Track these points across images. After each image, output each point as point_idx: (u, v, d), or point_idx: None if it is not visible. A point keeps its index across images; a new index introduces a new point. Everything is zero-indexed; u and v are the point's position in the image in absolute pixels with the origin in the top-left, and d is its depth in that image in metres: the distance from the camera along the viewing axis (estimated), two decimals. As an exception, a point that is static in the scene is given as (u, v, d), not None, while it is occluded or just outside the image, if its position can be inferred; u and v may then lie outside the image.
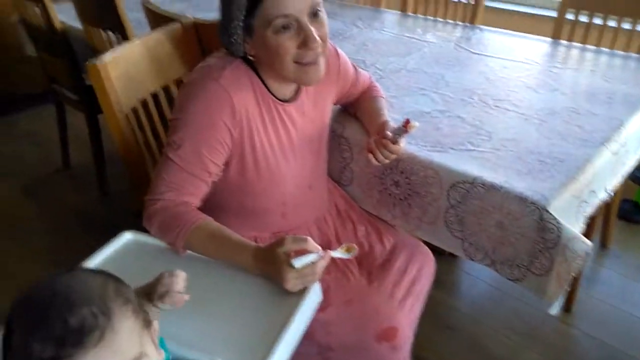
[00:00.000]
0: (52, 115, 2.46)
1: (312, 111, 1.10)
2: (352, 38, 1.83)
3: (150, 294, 0.73)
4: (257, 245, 0.90)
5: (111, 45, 1.78)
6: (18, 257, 1.99)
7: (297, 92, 1.06)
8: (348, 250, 0.90)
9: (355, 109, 1.23)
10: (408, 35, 1.88)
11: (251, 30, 0.93)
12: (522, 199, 0.96)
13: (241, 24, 0.92)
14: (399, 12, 2.23)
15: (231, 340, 0.77)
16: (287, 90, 1.04)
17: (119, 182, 2.34)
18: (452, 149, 1.11)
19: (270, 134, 1.03)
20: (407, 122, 0.98)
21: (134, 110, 1.19)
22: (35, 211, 2.27)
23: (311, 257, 0.84)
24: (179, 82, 1.33)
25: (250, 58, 0.98)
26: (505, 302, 1.73)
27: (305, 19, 0.90)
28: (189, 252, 0.94)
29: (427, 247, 1.24)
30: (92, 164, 2.31)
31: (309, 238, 0.85)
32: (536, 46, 1.77)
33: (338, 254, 0.89)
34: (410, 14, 2.25)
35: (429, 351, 1.52)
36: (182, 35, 1.31)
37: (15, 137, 2.89)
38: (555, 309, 1.00)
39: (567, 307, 1.67)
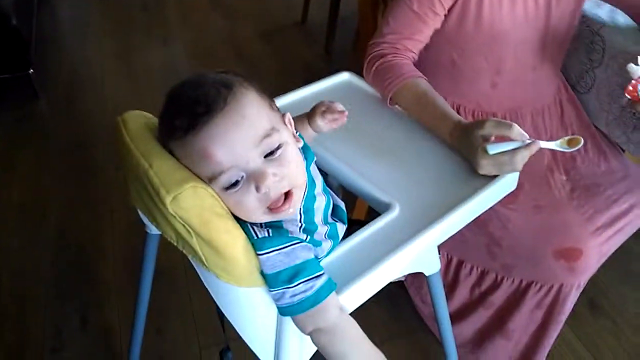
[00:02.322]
0: (303, -28, 2.61)
1: None
2: None
3: (310, 115, 0.77)
4: (459, 120, 0.85)
5: None
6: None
7: None
8: (570, 144, 0.77)
9: None
10: None
11: None
12: None
13: None
14: None
15: (410, 191, 0.78)
16: None
17: (343, 46, 2.44)
18: None
19: None
20: None
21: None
22: (268, 54, 2.52)
23: (511, 145, 0.75)
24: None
25: None
26: None
27: None
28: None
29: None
30: (325, 24, 2.44)
31: (515, 125, 0.76)
32: None
33: (554, 145, 0.78)
34: None
35: (605, 299, 1.38)
36: None
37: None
38: None
39: None
